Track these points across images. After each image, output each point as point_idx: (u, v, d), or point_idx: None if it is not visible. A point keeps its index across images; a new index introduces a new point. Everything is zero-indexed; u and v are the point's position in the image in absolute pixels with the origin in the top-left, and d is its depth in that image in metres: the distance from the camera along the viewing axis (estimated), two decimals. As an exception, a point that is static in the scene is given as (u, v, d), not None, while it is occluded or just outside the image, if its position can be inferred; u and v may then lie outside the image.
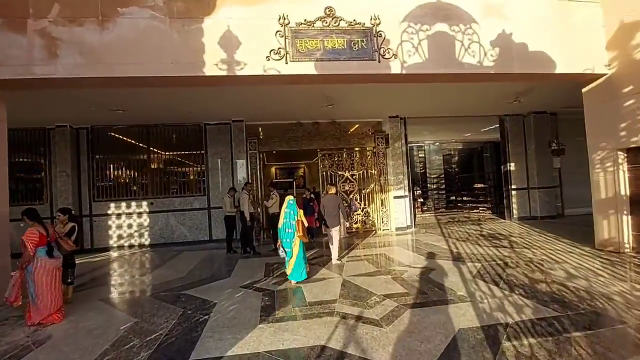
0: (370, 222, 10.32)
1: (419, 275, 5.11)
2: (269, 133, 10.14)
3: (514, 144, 10.96)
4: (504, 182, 11.15)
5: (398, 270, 5.48)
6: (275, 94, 7.50)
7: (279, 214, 7.90)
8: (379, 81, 5.66)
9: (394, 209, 10.04)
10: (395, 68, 5.09)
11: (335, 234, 7.25)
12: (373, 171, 10.28)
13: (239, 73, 4.80)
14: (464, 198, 15.58)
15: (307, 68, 4.93)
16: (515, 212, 10.90)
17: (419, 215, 14.45)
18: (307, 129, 10.07)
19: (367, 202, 10.36)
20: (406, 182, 10.29)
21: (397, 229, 9.97)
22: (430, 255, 6.49)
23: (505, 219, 11.13)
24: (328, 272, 5.75)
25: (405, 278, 5.01)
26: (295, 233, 5.41)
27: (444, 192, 17.20)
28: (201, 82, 5.06)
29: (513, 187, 10.94)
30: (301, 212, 5.85)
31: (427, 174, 18.17)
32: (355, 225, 10.22)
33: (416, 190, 15.93)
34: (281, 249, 5.67)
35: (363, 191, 10.36)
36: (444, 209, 15.53)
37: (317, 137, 10.05)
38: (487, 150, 18.43)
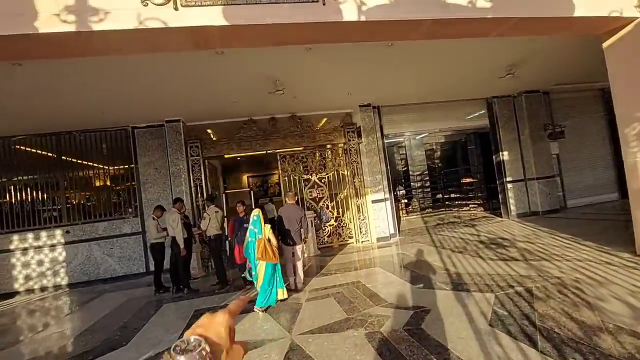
0: (346, 233, 8.59)
1: (407, 328, 3.36)
2: (217, 134, 8.29)
3: (506, 130, 9.50)
4: (497, 174, 9.65)
5: (376, 318, 3.70)
6: (205, 80, 5.70)
7: (219, 236, 6.11)
8: (328, 39, 3.92)
9: (374, 216, 8.34)
10: (348, 13, 3.38)
11: (299, 252, 5.53)
12: (345, 172, 8.58)
13: (96, 27, 2.97)
14: (452, 195, 14.10)
15: (211, 16, 3.15)
16: (512, 208, 9.41)
17: (404, 218, 12.85)
18: (262, 127, 8.29)
19: (341, 210, 8.64)
20: (385, 182, 8.64)
21: (379, 239, 8.28)
22: (422, 280, 4.79)
23: (502, 217, 9.62)
24: (271, 326, 3.93)
25: (386, 335, 3.24)
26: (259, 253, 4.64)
27: (429, 190, 15.70)
28: (41, 48, 3.19)
29: (508, 179, 9.45)
30: (267, 227, 4.78)
31: (410, 172, 16.69)
32: (328, 239, 8.46)
33: (399, 190, 14.37)
34: (247, 273, 5.07)
35: (336, 197, 8.64)
36: (430, 209, 14.00)
37: (275, 136, 8.27)
38: (472, 142, 17.15)
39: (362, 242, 8.36)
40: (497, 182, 9.69)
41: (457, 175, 14.87)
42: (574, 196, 9.94)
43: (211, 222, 5.88)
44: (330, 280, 5.49)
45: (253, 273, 4.86)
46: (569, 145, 10.00)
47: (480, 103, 9.64)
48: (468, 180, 13.50)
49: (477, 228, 8.52)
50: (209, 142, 8.03)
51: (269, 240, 4.75)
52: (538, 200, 9.25)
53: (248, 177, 14.68)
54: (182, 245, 5.74)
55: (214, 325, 0.52)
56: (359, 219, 8.43)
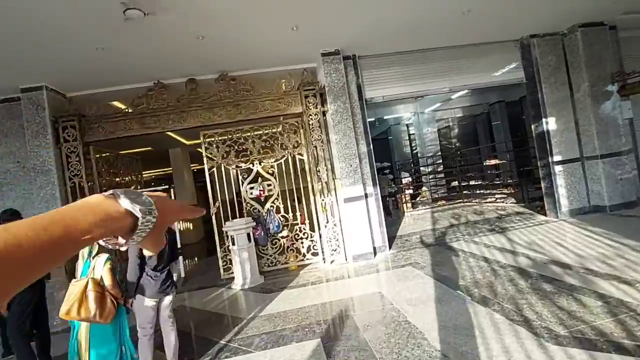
0: (308, 247, 5.80)
1: None
2: (105, 109, 5.58)
3: (552, 86, 6.32)
4: (538, 150, 6.52)
5: None
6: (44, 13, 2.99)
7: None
8: None
9: (348, 222, 5.51)
10: None
11: (167, 311, 2.89)
12: (305, 157, 5.74)
13: None
14: (471, 182, 10.97)
15: None
16: (563, 201, 6.31)
17: (408, 214, 9.91)
18: (176, 94, 5.54)
19: (299, 214, 5.85)
20: (367, 169, 5.76)
21: (357, 257, 5.46)
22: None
23: (545, 215, 6.54)
24: None
25: None
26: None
27: (443, 176, 12.60)
28: None
29: (556, 158, 6.33)
30: (106, 269, 2.68)
31: (420, 155, 13.60)
32: (279, 258, 5.71)
33: (403, 177, 11.38)
34: None
35: (291, 195, 5.85)
36: (444, 201, 10.94)
37: (197, 106, 5.51)
38: (496, 114, 13.81)
39: (331, 261, 5.57)
40: (539, 162, 6.58)
41: (479, 157, 11.68)
42: (655, 180, 6.71)
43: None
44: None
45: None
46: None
47: (511, 48, 6.47)
48: (493, 162, 10.33)
49: (510, 236, 5.53)
50: (93, 119, 5.35)
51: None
52: (603, 188, 6.11)
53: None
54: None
55: (171, 205, 0.52)
56: (325, 226, 5.62)
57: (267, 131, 5.70)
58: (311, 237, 5.75)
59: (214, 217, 5.52)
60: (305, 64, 5.79)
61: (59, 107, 5.26)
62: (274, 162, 5.70)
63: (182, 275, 5.89)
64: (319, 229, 5.66)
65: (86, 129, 5.29)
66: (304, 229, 5.74)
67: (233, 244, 5.14)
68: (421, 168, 13.18)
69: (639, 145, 6.54)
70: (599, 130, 6.12)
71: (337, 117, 5.54)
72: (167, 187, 10.36)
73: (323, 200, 5.59)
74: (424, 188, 12.38)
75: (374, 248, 5.67)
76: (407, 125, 14.90)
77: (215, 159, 5.59)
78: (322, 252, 5.65)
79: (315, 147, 5.60)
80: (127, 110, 5.51)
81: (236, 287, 5.06)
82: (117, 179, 6.14)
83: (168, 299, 2.96)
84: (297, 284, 4.86)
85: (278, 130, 5.70)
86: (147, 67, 5.15)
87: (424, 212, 10.07)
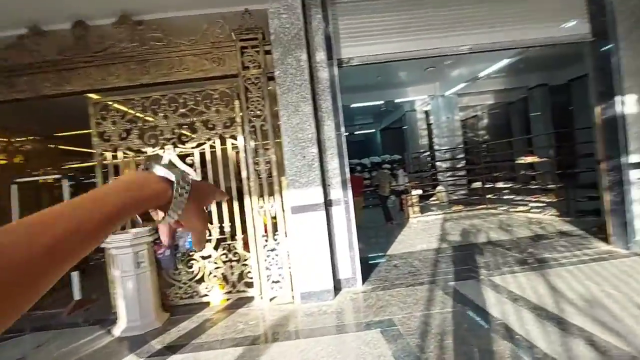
0: (240, 275, 3.96)
1: None
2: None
3: (634, 46, 4.03)
4: (607, 146, 4.29)
5: None
6: None
7: None
8: None
9: (298, 241, 3.63)
10: None
11: None
12: (239, 141, 3.86)
13: None
14: (499, 184, 8.68)
15: None
16: (638, 225, 4.08)
17: (414, 219, 7.90)
18: (58, 45, 3.81)
19: (228, 225, 4.00)
20: (334, 164, 3.83)
21: (308, 296, 3.60)
22: None
23: (611, 243, 4.33)
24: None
25: None
26: None
27: (463, 174, 10.35)
28: None
29: (633, 159, 4.08)
30: None
31: (436, 146, 11.37)
32: (196, 289, 3.91)
33: (406, 174, 9.28)
34: None
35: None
36: (461, 205, 8.76)
37: (86, 62, 3.78)
38: (536, 103, 11.28)
39: (271, 298, 3.73)
40: (604, 164, 4.35)
41: (511, 152, 9.33)
42: None
43: None
44: None
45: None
46: None
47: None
48: (529, 159, 7.98)
49: (554, 280, 3.43)
50: None
51: None
52: None
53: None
54: None
55: (206, 183, 0.55)
56: (265, 246, 3.76)
57: (186, 101, 3.86)
58: (245, 260, 3.92)
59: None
60: (247, 3, 3.86)
61: None
62: (195, 147, 3.88)
63: (77, 297, 4.27)
64: (257, 249, 3.81)
65: None
66: (234, 247, 3.91)
67: (116, 268, 3.41)
68: (437, 164, 10.97)
69: None
70: None
71: (286, 83, 3.61)
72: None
73: (262, 207, 3.73)
74: (439, 187, 10.21)
75: (337, 282, 3.78)
76: (426, 113, 12.63)
77: (109, 139, 3.84)
78: (260, 283, 3.81)
79: (255, 127, 3.72)
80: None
81: (116, 332, 3.36)
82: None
83: None
84: (208, 339, 3.08)
85: (203, 100, 3.85)
86: (17, 6, 3.46)
87: (434, 218, 8.01)
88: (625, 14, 3.99)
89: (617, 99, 4.04)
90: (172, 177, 0.45)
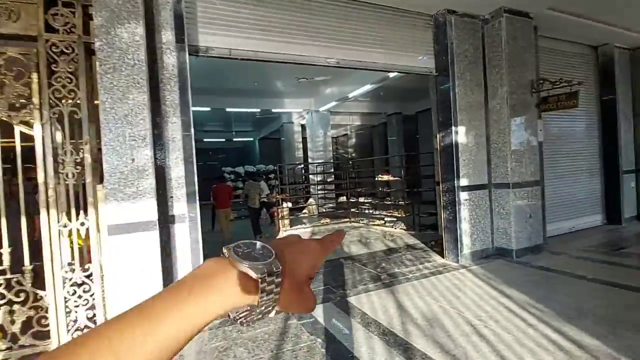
0: (28, 322, 2.77)
1: None
2: None
3: (465, 85, 4.71)
4: (444, 169, 4.87)
5: None
6: None
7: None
8: None
9: (119, 273, 2.72)
10: None
11: None
12: (36, 131, 2.73)
13: None
14: (361, 199, 9.31)
15: None
16: (465, 240, 4.72)
17: (284, 232, 7.56)
18: None
19: (18, 247, 2.79)
20: (179, 170, 3.09)
21: None
22: None
23: (445, 257, 4.87)
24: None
25: None
26: None
27: (333, 188, 10.80)
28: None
29: (463, 182, 4.72)
30: None
31: (309, 159, 11.62)
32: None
33: (275, 187, 9.07)
34: None
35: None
36: (328, 219, 8.99)
37: None
38: (392, 127, 12.82)
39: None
40: (442, 185, 4.93)
41: (372, 170, 10.20)
42: (552, 218, 5.80)
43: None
44: None
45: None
46: (556, 128, 5.90)
47: (423, 26, 4.69)
48: (385, 177, 8.82)
49: (401, 298, 3.51)
50: None
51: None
52: (512, 227, 4.72)
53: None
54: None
55: (303, 247, 0.39)
56: (69, 279, 2.71)
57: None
58: (36, 299, 2.75)
59: None
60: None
61: None
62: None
63: None
64: (54, 284, 2.70)
65: None
66: (18, 283, 2.70)
67: None
68: (310, 177, 11.17)
69: (546, 173, 5.48)
70: (515, 151, 4.75)
71: (111, 60, 2.72)
72: None
73: (67, 226, 2.68)
74: (310, 200, 10.35)
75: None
76: (303, 126, 12.84)
77: None
78: (58, 333, 2.71)
79: (62, 112, 2.68)
80: None
81: None
82: None
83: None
84: None
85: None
86: None
87: (303, 231, 7.92)
88: (461, 57, 4.63)
89: (453, 129, 4.63)
90: (254, 275, 0.32)
